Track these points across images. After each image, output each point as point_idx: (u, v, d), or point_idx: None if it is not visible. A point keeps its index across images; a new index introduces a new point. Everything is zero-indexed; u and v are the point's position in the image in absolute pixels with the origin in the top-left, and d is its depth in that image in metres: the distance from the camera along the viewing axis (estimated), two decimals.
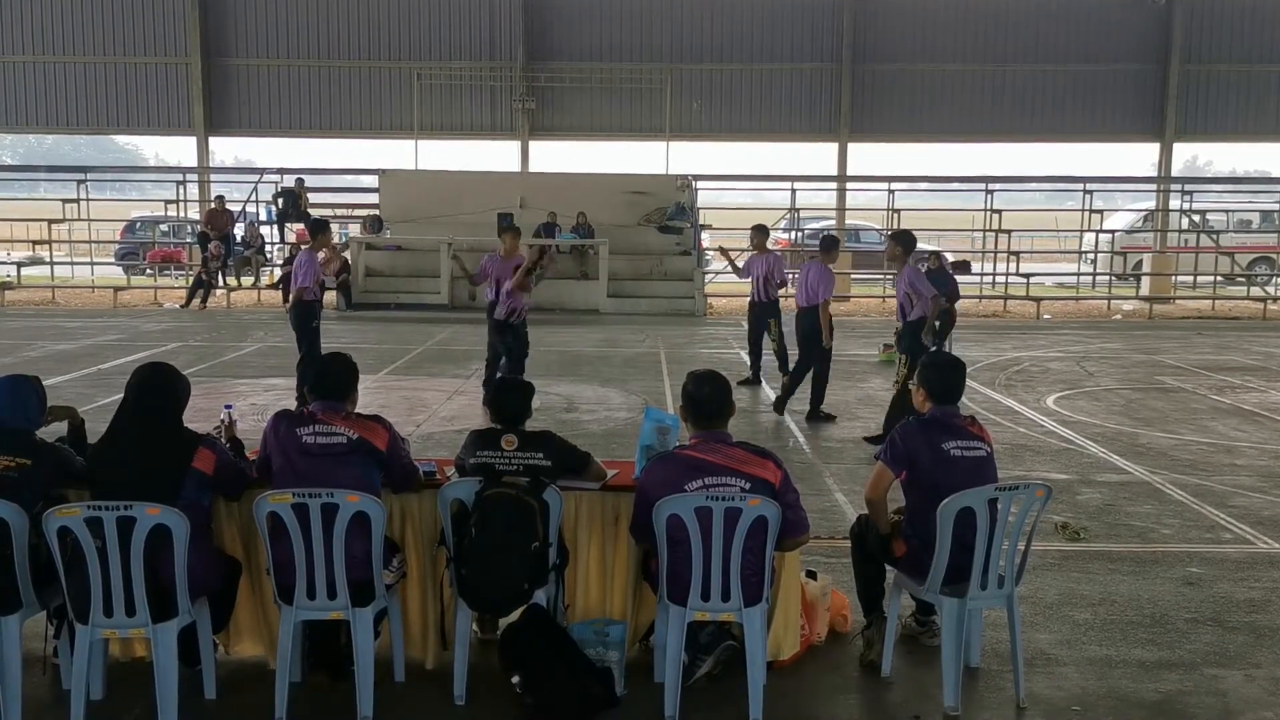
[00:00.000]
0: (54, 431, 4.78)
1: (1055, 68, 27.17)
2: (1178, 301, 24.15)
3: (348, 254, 21.62)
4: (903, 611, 5.06)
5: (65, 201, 25.92)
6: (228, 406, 5.37)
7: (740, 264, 13.39)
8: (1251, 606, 5.78)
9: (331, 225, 14.59)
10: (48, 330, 17.35)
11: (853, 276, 24.17)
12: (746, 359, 13.84)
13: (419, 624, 4.91)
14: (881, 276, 24.85)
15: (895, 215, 25.57)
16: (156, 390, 4.45)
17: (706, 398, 4.51)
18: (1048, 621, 5.52)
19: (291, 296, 11.36)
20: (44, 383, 4.66)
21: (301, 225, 24.42)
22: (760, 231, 13.27)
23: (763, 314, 12.69)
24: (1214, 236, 25.85)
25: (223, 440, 4.79)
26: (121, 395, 4.47)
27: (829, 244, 11.49)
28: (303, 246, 11.78)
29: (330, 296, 20.75)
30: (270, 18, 27.11)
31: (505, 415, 4.74)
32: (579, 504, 4.83)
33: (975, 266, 25.69)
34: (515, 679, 4.36)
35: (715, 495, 4.24)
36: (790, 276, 14.76)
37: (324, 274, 11.35)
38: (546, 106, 27.36)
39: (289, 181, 24.59)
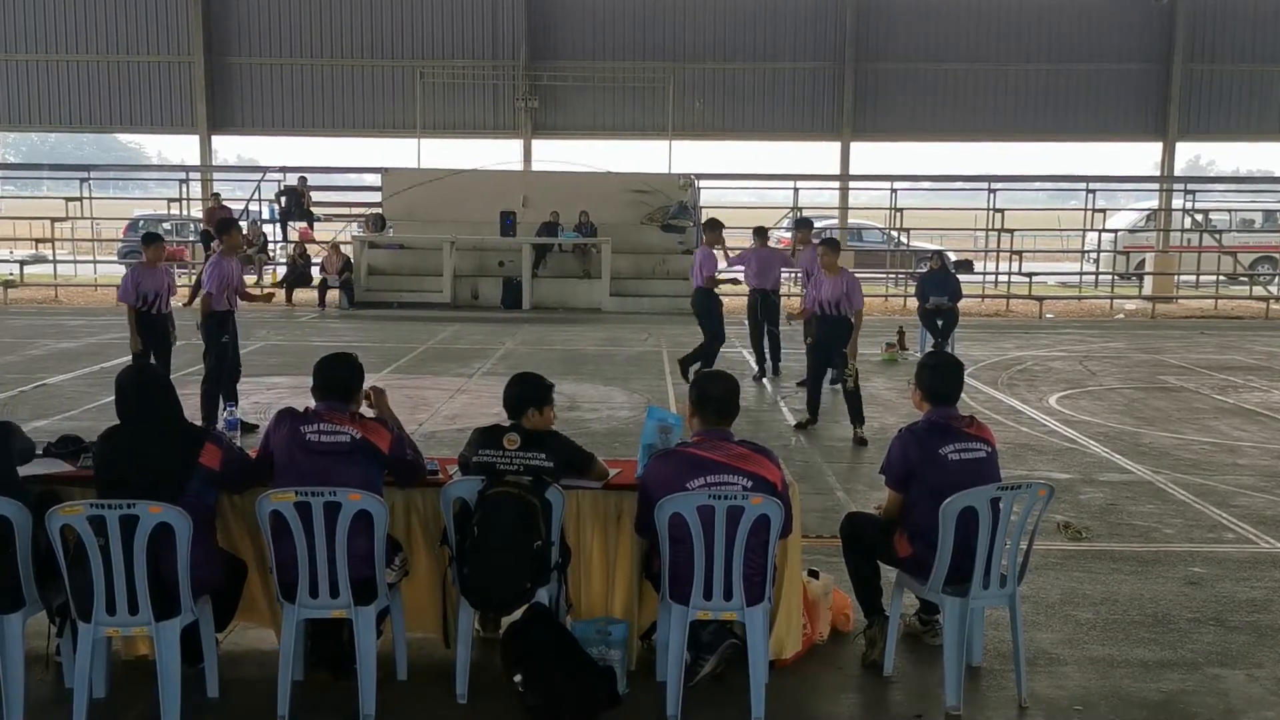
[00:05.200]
0: (54, 432, 4.79)
1: (1058, 67, 27.17)
2: (1180, 301, 24.14)
3: (348, 248, 21.68)
4: (906, 611, 5.06)
5: (68, 200, 25.93)
6: (230, 405, 5.39)
7: (733, 255, 14.23)
8: (1254, 606, 5.77)
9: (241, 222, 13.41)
10: (50, 328, 17.37)
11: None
12: (749, 357, 13.98)
13: (430, 614, 4.92)
14: (884, 276, 24.87)
15: (898, 214, 25.56)
16: (154, 390, 4.46)
17: (718, 396, 4.52)
18: (1050, 621, 5.51)
19: (197, 304, 9.88)
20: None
21: (304, 224, 24.51)
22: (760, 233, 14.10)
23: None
24: (1217, 236, 25.83)
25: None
26: (117, 395, 4.48)
27: (709, 225, 12.97)
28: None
29: (333, 295, 20.88)
30: (273, 16, 27.12)
31: (509, 409, 4.73)
32: (581, 502, 4.83)
33: (978, 265, 25.73)
34: (517, 678, 4.35)
35: (717, 494, 4.24)
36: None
37: (242, 284, 9.92)
38: (549, 105, 27.37)
39: (292, 180, 24.62)
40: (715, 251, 13.21)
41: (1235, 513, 7.56)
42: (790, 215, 25.68)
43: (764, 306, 13.29)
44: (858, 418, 9.71)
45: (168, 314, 10.01)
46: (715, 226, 12.89)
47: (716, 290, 12.56)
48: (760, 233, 14.04)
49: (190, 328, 10.51)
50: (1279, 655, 5.15)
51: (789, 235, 27.05)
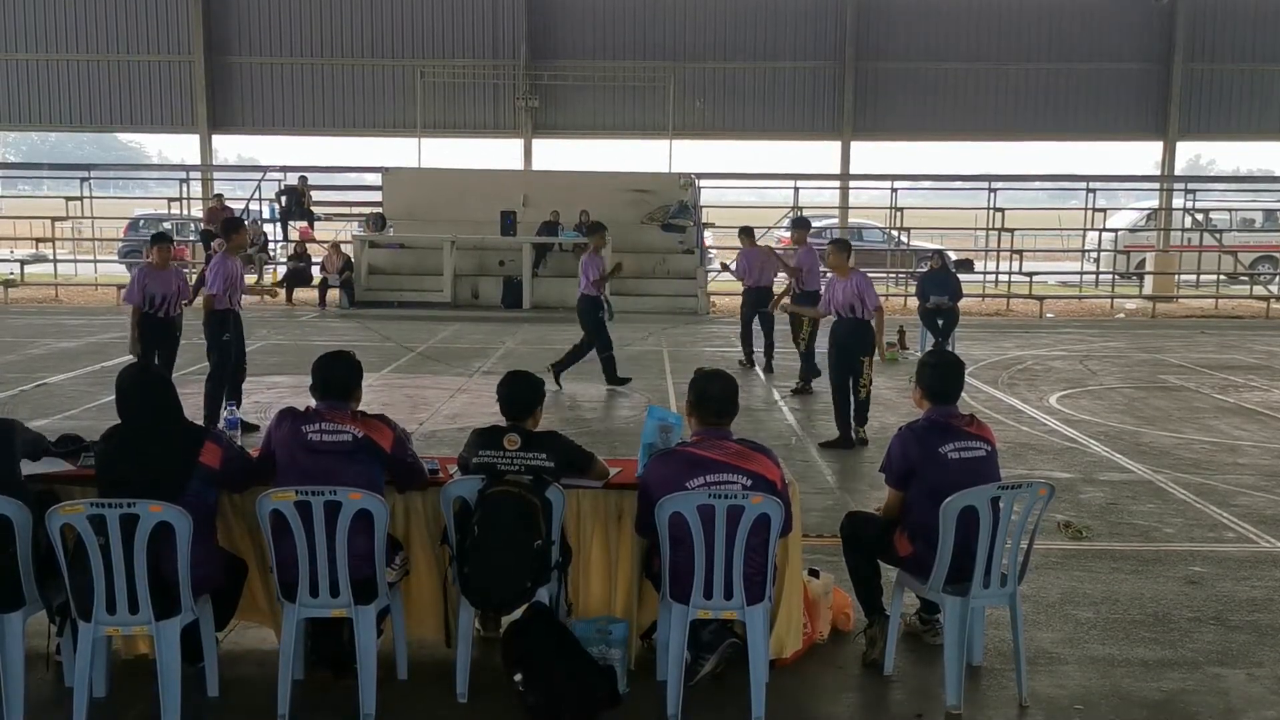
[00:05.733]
0: (54, 431, 4.79)
1: (1058, 66, 27.15)
2: (1181, 300, 24.14)
3: (348, 248, 21.68)
4: (906, 610, 5.06)
5: (69, 199, 25.94)
6: (230, 403, 5.39)
7: (734, 265, 14.59)
8: (1254, 605, 5.77)
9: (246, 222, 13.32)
10: (50, 328, 17.37)
11: None
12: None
13: (430, 616, 4.93)
14: (885, 275, 24.86)
15: (898, 214, 25.56)
16: (154, 389, 4.46)
17: (715, 395, 4.51)
18: (1050, 620, 5.51)
19: (199, 303, 9.76)
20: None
21: (305, 223, 24.51)
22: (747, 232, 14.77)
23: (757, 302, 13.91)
24: (1217, 235, 25.84)
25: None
26: (118, 395, 4.47)
27: (593, 228, 12.62)
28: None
29: (334, 294, 20.89)
30: (273, 15, 27.12)
31: (509, 409, 4.73)
32: (581, 502, 4.83)
33: (978, 265, 25.74)
34: (518, 677, 4.35)
35: (717, 493, 4.24)
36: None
37: (245, 282, 9.84)
38: (550, 105, 27.37)
39: (292, 179, 24.62)
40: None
41: (1236, 512, 7.56)
42: (790, 215, 25.70)
43: (758, 301, 13.70)
44: (860, 419, 9.57)
45: (176, 317, 9.86)
46: (598, 229, 12.40)
47: (604, 296, 12.27)
48: (747, 232, 14.47)
49: (193, 327, 10.48)
50: (1279, 654, 5.15)
51: (789, 235, 27.26)
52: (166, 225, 27.81)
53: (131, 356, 9.60)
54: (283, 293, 20.87)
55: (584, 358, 12.29)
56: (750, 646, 4.36)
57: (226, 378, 9.40)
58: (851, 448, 9.38)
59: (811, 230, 13.15)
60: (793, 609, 4.92)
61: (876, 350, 9.46)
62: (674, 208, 22.69)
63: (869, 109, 27.43)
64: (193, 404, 9.81)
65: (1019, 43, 27.13)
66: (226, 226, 10.17)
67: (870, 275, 9.90)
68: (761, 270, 13.84)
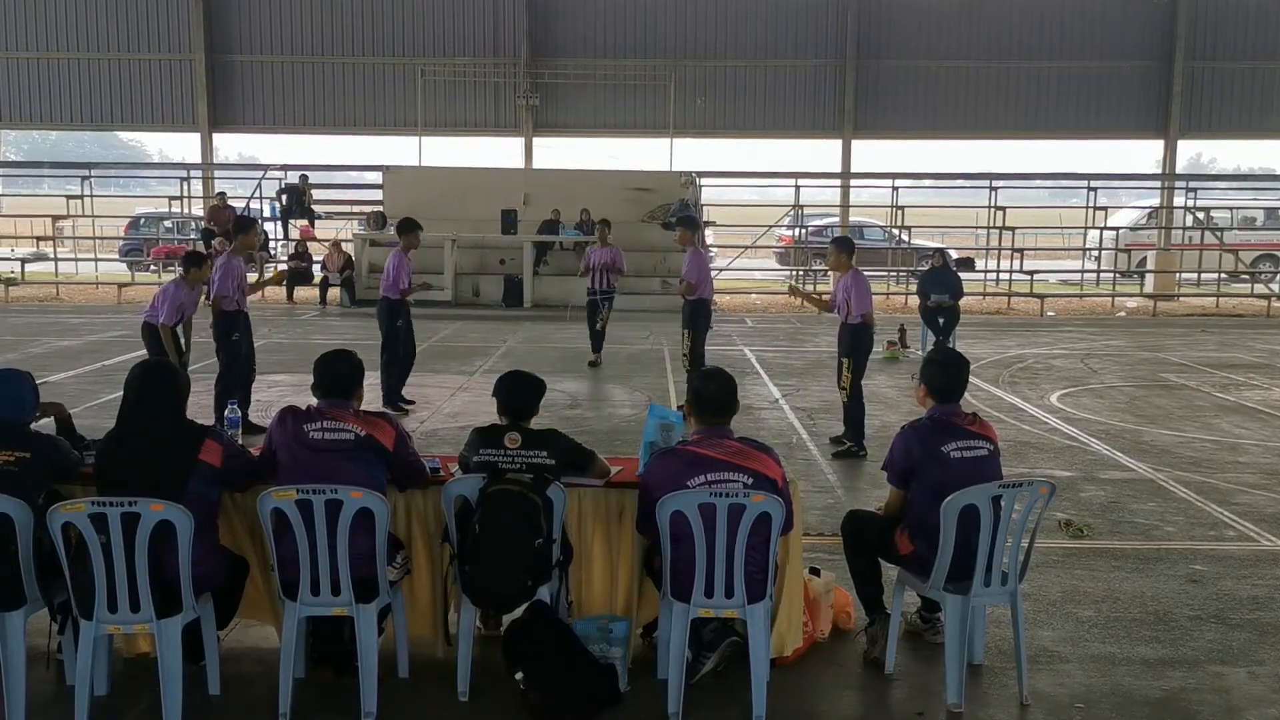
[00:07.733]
0: (44, 426, 4.80)
1: (1059, 64, 27.14)
2: (1182, 299, 24.13)
3: (349, 246, 21.69)
4: (907, 608, 5.07)
5: (69, 198, 25.94)
6: (231, 402, 5.39)
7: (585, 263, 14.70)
8: (1255, 604, 5.77)
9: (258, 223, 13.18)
10: (51, 326, 17.38)
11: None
12: (750, 355, 14.03)
13: (428, 616, 4.93)
14: (885, 274, 24.86)
15: (900, 212, 25.57)
16: (158, 386, 4.45)
17: (713, 394, 4.52)
18: (1051, 619, 5.51)
19: (204, 304, 9.57)
20: (48, 379, 4.67)
21: (306, 222, 24.51)
22: (605, 225, 14.97)
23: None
24: (1218, 234, 25.82)
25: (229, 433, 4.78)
26: (122, 394, 4.49)
27: (405, 226, 11.32)
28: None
29: (334, 293, 20.90)
30: (274, 14, 27.12)
31: (511, 408, 4.73)
32: (582, 500, 4.83)
33: (979, 263, 25.74)
34: (519, 675, 4.35)
35: (719, 492, 4.24)
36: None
37: (248, 283, 9.70)
38: (550, 103, 27.36)
39: (293, 178, 24.62)
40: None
41: (1236, 510, 7.56)
42: (790, 214, 25.68)
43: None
44: (851, 432, 9.07)
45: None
46: (412, 227, 11.27)
47: (407, 302, 11.21)
48: (605, 224, 14.92)
49: (197, 325, 10.44)
50: None
51: (788, 234, 27.25)
52: (167, 224, 27.89)
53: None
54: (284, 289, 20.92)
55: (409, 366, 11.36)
56: (751, 645, 4.36)
57: (237, 378, 9.28)
58: (864, 454, 8.94)
59: (698, 229, 11.47)
60: (794, 607, 4.92)
61: (851, 358, 8.84)
62: (675, 206, 22.67)
63: (870, 107, 27.41)
64: (196, 403, 9.80)
65: (1020, 41, 27.11)
66: (238, 225, 10.04)
67: (872, 274, 9.74)
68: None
